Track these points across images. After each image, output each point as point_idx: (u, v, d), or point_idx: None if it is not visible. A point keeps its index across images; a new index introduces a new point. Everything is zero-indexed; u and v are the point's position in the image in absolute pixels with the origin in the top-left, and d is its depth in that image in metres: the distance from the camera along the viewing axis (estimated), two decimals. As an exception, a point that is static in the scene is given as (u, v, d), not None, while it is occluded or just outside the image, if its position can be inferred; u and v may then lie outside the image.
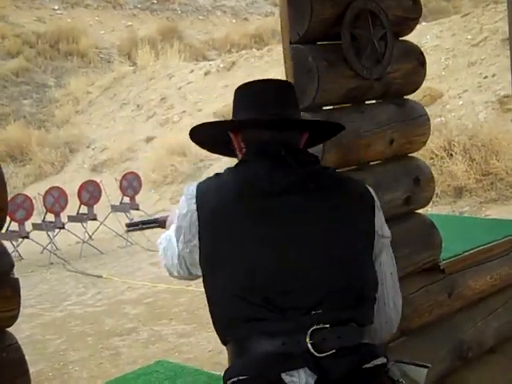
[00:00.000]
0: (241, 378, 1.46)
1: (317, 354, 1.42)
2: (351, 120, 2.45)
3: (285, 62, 2.36)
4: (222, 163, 10.73)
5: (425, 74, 2.74)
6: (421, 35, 12.08)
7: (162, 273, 7.29)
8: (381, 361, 1.51)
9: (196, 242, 1.58)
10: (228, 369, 1.52)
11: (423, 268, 2.66)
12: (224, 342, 1.58)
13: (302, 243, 1.54)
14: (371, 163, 2.59)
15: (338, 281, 1.52)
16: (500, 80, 9.68)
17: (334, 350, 1.43)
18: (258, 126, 1.69)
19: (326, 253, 1.54)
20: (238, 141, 1.73)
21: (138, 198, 10.26)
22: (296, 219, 1.56)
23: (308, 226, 1.56)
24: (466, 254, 2.85)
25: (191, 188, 1.64)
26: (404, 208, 2.59)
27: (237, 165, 1.67)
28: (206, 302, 1.60)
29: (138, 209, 9.90)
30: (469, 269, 2.86)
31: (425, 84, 9.32)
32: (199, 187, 1.63)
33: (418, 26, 10.52)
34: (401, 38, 2.73)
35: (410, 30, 2.77)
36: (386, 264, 1.72)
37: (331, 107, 2.48)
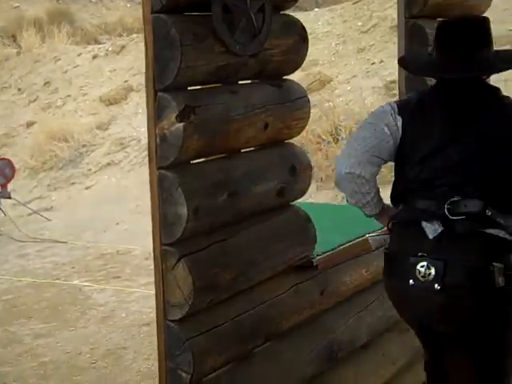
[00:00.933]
0: (396, 221, 2.13)
1: (450, 217, 1.99)
2: (221, 102, 2.20)
3: (145, 35, 2.06)
4: (104, 148, 10.26)
5: (306, 51, 2.50)
6: (313, 21, 12.05)
7: (29, 266, 6.71)
8: (496, 232, 2.00)
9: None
10: (394, 214, 2.15)
11: (296, 265, 2.46)
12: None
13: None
14: (243, 151, 2.35)
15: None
16: (387, 66, 9.76)
17: (462, 216, 1.99)
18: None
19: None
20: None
21: (12, 185, 9.58)
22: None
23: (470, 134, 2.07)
24: (341, 247, 2.68)
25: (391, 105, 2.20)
26: (277, 200, 2.38)
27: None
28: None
29: (9, 197, 9.22)
30: (344, 263, 2.70)
31: (315, 69, 9.14)
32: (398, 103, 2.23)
33: (311, 13, 10.33)
34: (282, 12, 2.49)
35: (292, 2, 2.53)
36: None
37: (198, 87, 2.21)
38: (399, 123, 2.12)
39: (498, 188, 2.03)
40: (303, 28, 2.49)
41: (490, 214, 1.99)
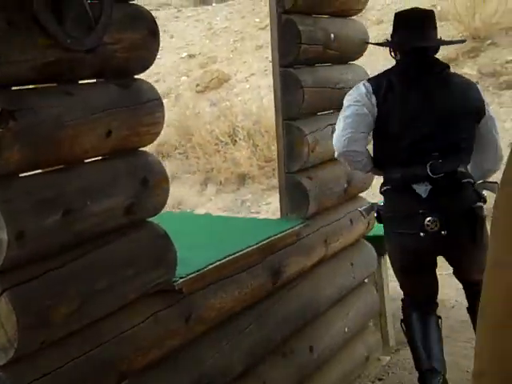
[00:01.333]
0: (389, 186, 2.77)
1: (432, 176, 2.65)
2: (52, 105, 1.85)
3: None
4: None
5: (157, 47, 2.17)
6: (211, 16, 11.75)
7: None
8: (468, 180, 2.72)
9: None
10: (382, 183, 2.83)
11: (154, 291, 2.14)
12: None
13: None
14: (85, 161, 2.00)
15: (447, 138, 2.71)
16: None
17: (441, 174, 2.64)
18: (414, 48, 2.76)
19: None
20: (394, 52, 2.85)
21: None
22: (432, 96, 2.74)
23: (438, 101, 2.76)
24: (210, 267, 2.38)
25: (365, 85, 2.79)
26: (126, 218, 2.04)
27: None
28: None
29: None
30: (213, 285, 2.39)
31: (214, 66, 8.76)
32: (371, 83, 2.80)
33: (209, 7, 9.92)
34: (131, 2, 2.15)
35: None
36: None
37: (23, 87, 1.85)
38: (374, 102, 2.72)
39: (462, 148, 2.72)
40: (153, 21, 2.16)
41: (462, 169, 2.70)
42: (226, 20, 11.37)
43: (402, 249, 2.80)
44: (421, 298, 2.95)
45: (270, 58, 9.65)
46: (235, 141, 8.10)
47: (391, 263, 3.01)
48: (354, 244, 3.47)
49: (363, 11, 10.61)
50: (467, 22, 8.45)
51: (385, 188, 2.79)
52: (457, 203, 2.70)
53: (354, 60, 3.51)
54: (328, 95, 3.14)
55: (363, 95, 2.72)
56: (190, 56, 10.79)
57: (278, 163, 3.09)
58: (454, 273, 2.98)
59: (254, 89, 9.44)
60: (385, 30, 9.22)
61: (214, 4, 12.29)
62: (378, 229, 3.57)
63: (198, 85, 9.90)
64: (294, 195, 3.03)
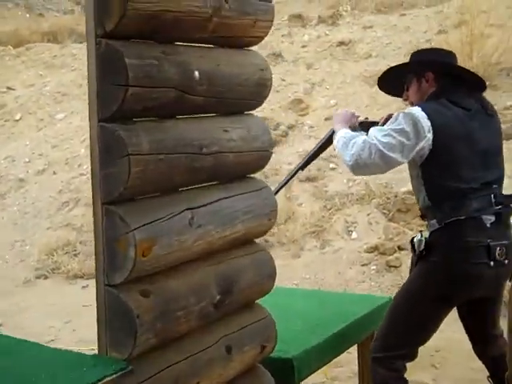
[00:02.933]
0: (453, 218, 2.74)
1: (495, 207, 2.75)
2: None
3: None
4: None
5: None
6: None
7: None
8: None
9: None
10: (441, 216, 2.78)
11: None
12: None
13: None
14: None
15: None
16: (260, 101, 8.56)
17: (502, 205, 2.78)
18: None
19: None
20: (433, 79, 2.89)
21: None
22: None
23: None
24: None
25: (420, 113, 2.70)
26: None
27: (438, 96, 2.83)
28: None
29: None
30: None
31: None
32: (426, 111, 2.73)
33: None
34: None
35: None
36: None
37: None
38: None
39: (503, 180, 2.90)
40: None
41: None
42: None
43: (465, 278, 2.72)
44: (416, 354, 2.83)
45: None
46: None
47: (424, 292, 2.77)
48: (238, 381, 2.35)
49: (350, 45, 9.49)
50: (463, 61, 7.37)
51: (448, 220, 2.72)
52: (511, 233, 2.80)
53: (249, 109, 2.43)
54: (185, 165, 2.07)
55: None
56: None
57: (96, 271, 1.99)
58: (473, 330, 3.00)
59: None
60: (374, 66, 8.19)
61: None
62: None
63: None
64: (115, 321, 1.93)
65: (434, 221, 2.77)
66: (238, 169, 2.34)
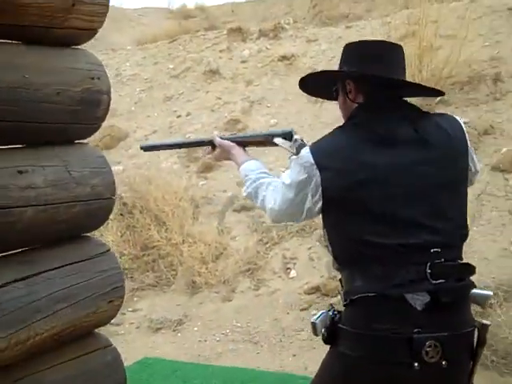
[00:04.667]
0: (362, 294, 1.85)
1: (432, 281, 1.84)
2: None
3: None
4: None
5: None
6: (122, 61, 9.99)
7: None
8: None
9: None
10: (347, 291, 1.91)
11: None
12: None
13: None
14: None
15: None
16: (194, 120, 7.80)
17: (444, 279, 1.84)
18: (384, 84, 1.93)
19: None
20: (355, 90, 1.99)
21: None
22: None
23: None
24: None
25: (306, 155, 1.89)
26: None
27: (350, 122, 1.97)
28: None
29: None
30: None
31: (108, 122, 6.72)
32: (314, 152, 1.90)
33: (122, 52, 7.66)
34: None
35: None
36: None
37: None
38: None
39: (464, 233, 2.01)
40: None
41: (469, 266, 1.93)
42: (137, 66, 9.60)
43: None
44: None
45: (180, 112, 7.75)
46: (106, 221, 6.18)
47: None
48: None
49: (292, 59, 8.80)
50: (412, 74, 6.72)
51: (356, 296, 1.86)
52: (459, 319, 1.87)
53: (71, 138, 1.66)
54: None
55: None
56: (88, 107, 8.95)
57: None
58: None
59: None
60: (318, 82, 7.49)
61: (128, 47, 10.51)
62: None
63: (87, 142, 8.03)
64: None
65: (342, 294, 1.96)
66: (47, 231, 1.55)
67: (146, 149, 2.47)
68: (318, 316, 1.93)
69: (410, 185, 1.85)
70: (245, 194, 2.14)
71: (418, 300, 1.79)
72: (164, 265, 5.75)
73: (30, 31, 1.49)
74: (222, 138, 2.37)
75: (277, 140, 2.22)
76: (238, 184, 6.65)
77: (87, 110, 1.65)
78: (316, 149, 1.92)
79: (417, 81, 6.60)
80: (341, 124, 2.03)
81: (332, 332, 1.89)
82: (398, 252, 1.80)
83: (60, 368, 1.57)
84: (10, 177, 1.43)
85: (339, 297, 2.00)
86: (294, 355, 4.44)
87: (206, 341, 4.80)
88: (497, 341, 3.75)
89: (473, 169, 2.01)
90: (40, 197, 1.49)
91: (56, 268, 1.55)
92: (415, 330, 1.78)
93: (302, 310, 4.91)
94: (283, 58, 8.42)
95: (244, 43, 9.08)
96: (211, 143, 2.36)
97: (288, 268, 5.37)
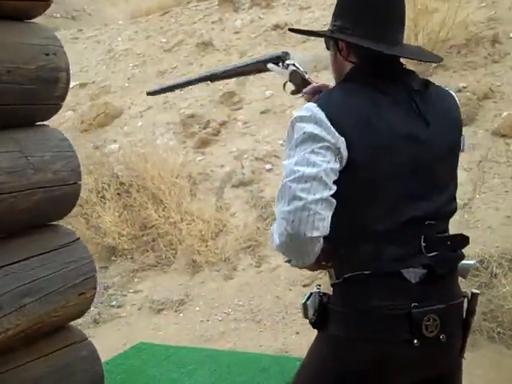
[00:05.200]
0: (355, 272, 1.75)
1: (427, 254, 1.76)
2: None
3: None
4: None
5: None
6: (113, 36, 9.82)
7: None
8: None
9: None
10: (339, 268, 1.79)
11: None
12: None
13: None
14: None
15: None
16: (188, 95, 7.67)
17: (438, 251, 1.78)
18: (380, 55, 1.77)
19: None
20: (348, 50, 1.84)
21: None
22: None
23: None
24: None
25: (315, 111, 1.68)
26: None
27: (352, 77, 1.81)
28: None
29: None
30: None
31: (102, 99, 6.55)
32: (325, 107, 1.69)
33: (113, 26, 7.47)
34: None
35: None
36: None
37: None
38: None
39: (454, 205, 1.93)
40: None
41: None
42: (129, 40, 9.43)
43: (373, 365, 1.71)
44: None
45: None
46: (104, 198, 6.11)
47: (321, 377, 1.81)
48: None
49: (286, 28, 8.62)
50: (408, 39, 6.57)
51: (349, 274, 1.74)
52: (452, 290, 1.82)
53: (30, 119, 1.57)
54: None
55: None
56: (81, 85, 8.82)
57: None
58: None
59: (148, 127, 7.49)
60: (313, 50, 7.35)
61: (120, 22, 10.33)
62: None
63: (82, 122, 7.92)
64: None
65: (332, 271, 1.83)
66: (6, 221, 1.47)
67: (153, 93, 2.45)
68: (307, 297, 1.82)
69: (415, 155, 1.74)
70: None
71: (413, 273, 1.72)
72: (163, 244, 5.69)
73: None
74: (214, 70, 2.31)
75: (270, 66, 2.16)
76: (235, 158, 6.57)
77: (44, 89, 1.54)
78: (326, 103, 1.71)
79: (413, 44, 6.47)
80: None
81: (320, 314, 1.80)
82: (393, 228, 1.71)
83: (29, 366, 1.50)
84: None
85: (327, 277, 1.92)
86: (297, 333, 4.40)
87: (208, 321, 4.77)
88: (503, 312, 3.69)
89: (461, 147, 1.92)
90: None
91: (19, 261, 1.46)
92: (413, 305, 1.70)
93: (304, 286, 4.86)
94: (276, 26, 8.25)
95: (236, 13, 8.90)
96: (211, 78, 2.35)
97: (289, 243, 5.31)
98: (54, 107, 1.60)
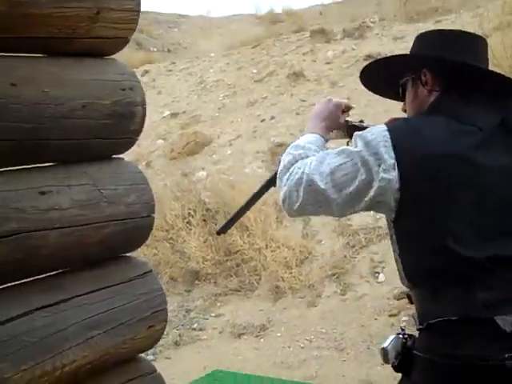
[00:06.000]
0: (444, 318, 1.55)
1: None
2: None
3: None
4: None
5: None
6: (205, 68, 10.00)
7: None
8: None
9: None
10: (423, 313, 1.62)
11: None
12: None
13: None
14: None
15: None
16: (279, 124, 7.64)
17: None
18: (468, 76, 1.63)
19: None
20: (433, 80, 1.68)
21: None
22: None
23: None
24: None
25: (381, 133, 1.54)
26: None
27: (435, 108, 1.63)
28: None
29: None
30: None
31: (192, 128, 6.68)
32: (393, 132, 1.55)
33: (206, 58, 7.66)
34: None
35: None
36: None
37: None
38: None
39: None
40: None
41: None
42: (221, 72, 9.57)
43: None
44: None
45: (263, 117, 7.59)
46: (190, 224, 6.11)
47: None
48: None
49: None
50: (509, 66, 6.30)
51: (435, 320, 1.55)
52: None
53: (103, 154, 1.52)
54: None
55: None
56: (173, 115, 9.00)
57: None
58: None
59: (237, 155, 7.50)
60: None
61: (212, 54, 10.52)
62: None
63: (172, 150, 8.04)
64: None
65: (416, 315, 1.67)
66: (76, 254, 1.42)
67: (222, 231, 2.11)
68: (388, 342, 1.65)
69: (501, 189, 1.56)
70: (283, 157, 1.75)
71: (507, 321, 1.51)
72: (247, 270, 5.60)
73: (53, 43, 1.37)
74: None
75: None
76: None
77: (119, 124, 1.50)
78: (395, 128, 1.56)
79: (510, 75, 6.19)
80: None
81: (404, 359, 1.62)
82: (484, 267, 1.51)
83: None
84: (30, 199, 1.31)
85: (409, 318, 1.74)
86: (382, 364, 4.15)
87: (289, 347, 4.61)
88: None
89: None
90: (64, 218, 1.35)
91: (88, 293, 1.41)
92: (507, 355, 1.48)
93: (390, 315, 4.63)
94: (368, 57, 8.12)
95: (328, 44, 8.87)
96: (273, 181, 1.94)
97: (376, 272, 5.10)
98: (129, 141, 1.56)
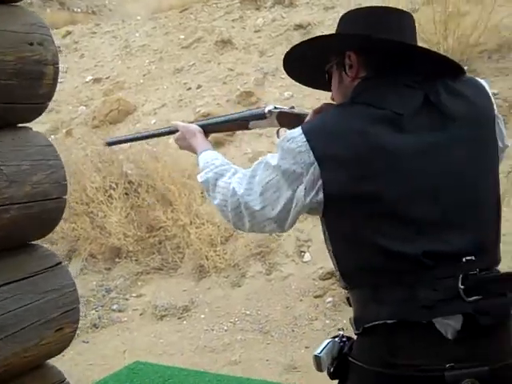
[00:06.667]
0: (381, 321, 1.43)
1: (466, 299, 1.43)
2: None
3: None
4: None
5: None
6: (131, 32, 9.59)
7: None
8: None
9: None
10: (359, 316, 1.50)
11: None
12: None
13: None
14: None
15: None
16: (205, 93, 7.40)
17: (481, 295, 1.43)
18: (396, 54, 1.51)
19: None
20: (358, 63, 1.55)
21: None
22: None
23: None
24: None
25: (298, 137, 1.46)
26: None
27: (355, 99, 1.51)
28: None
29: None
30: None
31: (116, 95, 6.27)
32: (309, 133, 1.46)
33: (131, 22, 7.30)
34: None
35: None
36: None
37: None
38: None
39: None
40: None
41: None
42: (147, 36, 9.19)
43: None
44: None
45: (190, 85, 7.30)
46: (111, 198, 5.85)
47: None
48: None
49: (308, 28, 8.42)
50: (437, 42, 6.26)
51: (371, 324, 1.42)
52: (502, 347, 1.42)
53: (14, 120, 1.28)
54: None
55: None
56: (96, 80, 8.60)
57: None
58: None
59: (162, 124, 7.22)
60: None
61: (138, 17, 10.10)
62: None
63: (94, 118, 7.68)
64: None
65: (352, 318, 1.54)
66: None
67: (111, 144, 2.32)
68: (322, 348, 1.53)
69: (435, 175, 1.44)
70: (200, 180, 1.73)
71: (449, 326, 1.38)
72: (170, 247, 5.41)
73: None
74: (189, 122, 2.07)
75: (252, 124, 1.93)
76: (249, 160, 6.27)
77: (25, 85, 1.26)
78: (311, 129, 1.47)
79: (441, 50, 6.14)
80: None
81: (340, 365, 1.50)
82: (421, 264, 1.38)
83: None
84: None
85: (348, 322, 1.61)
86: (307, 347, 4.09)
87: (213, 330, 4.48)
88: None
89: (500, 144, 1.57)
90: None
91: None
92: (447, 366, 1.36)
93: (316, 296, 4.56)
94: (299, 26, 7.97)
95: (258, 11, 8.63)
96: (176, 131, 2.06)
97: (302, 251, 5.01)
98: (39, 107, 1.32)
